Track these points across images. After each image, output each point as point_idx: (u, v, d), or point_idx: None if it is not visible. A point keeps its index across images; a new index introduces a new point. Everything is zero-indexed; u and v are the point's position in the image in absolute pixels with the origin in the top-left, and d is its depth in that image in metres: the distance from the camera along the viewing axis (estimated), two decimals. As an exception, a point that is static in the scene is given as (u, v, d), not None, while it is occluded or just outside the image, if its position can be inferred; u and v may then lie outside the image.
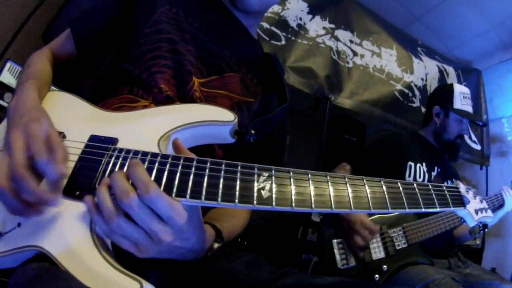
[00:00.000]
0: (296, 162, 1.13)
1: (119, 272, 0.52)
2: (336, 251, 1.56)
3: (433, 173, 1.90)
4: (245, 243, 2.77)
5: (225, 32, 1.00)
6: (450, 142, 1.96)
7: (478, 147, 3.32)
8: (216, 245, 0.74)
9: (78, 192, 0.59)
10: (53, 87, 0.87)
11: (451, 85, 2.07)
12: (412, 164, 1.85)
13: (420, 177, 1.84)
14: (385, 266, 1.53)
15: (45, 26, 2.33)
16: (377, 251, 1.56)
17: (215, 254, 0.74)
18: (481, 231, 1.64)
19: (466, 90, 2.03)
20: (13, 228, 0.60)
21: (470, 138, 3.24)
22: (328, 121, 2.65)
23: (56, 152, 0.58)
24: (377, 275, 1.50)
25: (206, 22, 0.98)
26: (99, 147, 0.64)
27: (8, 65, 1.87)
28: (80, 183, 0.60)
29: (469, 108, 1.96)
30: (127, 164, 0.60)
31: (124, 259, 0.56)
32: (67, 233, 0.57)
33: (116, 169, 0.60)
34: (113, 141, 0.66)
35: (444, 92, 2.06)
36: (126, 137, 0.67)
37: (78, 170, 0.62)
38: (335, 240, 1.59)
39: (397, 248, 1.57)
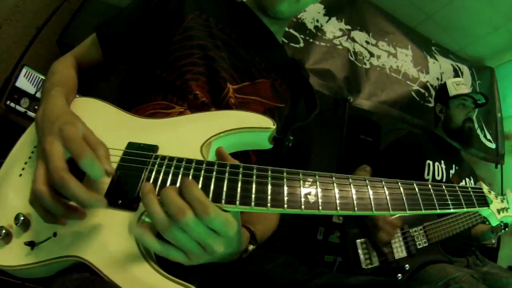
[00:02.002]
0: (316, 163, 1.13)
1: (169, 280, 0.51)
2: (360, 251, 1.57)
3: (451, 171, 1.90)
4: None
5: (255, 38, 1.01)
6: (459, 128, 1.96)
7: (492, 146, 3.30)
8: (251, 247, 0.75)
9: (120, 201, 0.58)
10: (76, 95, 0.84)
11: (444, 82, 2.14)
12: (431, 162, 1.86)
13: (438, 175, 1.84)
14: (407, 265, 1.53)
15: (59, 31, 2.35)
16: (399, 251, 1.56)
17: (250, 257, 0.74)
18: (503, 230, 1.64)
19: (458, 79, 2.13)
20: (48, 238, 0.58)
21: (484, 136, 3.23)
22: (347, 122, 2.63)
23: (98, 150, 0.57)
24: (399, 274, 1.51)
25: (236, 29, 0.98)
26: (140, 155, 0.63)
27: (24, 70, 1.87)
28: (122, 192, 0.58)
29: (464, 90, 2.00)
30: (179, 180, 0.58)
31: (165, 267, 0.55)
32: (110, 242, 0.55)
33: (160, 177, 0.59)
34: (154, 148, 0.65)
35: (440, 90, 2.18)
36: (166, 144, 0.66)
37: (118, 179, 0.60)
38: (358, 240, 1.60)
39: (418, 247, 1.58)
